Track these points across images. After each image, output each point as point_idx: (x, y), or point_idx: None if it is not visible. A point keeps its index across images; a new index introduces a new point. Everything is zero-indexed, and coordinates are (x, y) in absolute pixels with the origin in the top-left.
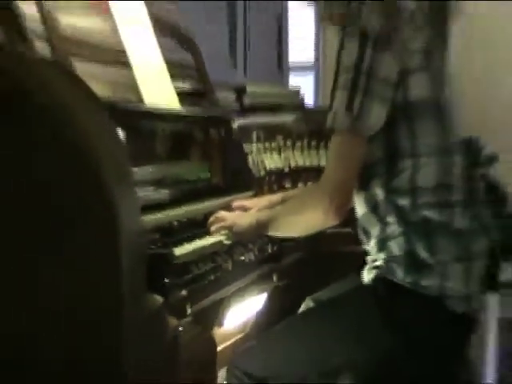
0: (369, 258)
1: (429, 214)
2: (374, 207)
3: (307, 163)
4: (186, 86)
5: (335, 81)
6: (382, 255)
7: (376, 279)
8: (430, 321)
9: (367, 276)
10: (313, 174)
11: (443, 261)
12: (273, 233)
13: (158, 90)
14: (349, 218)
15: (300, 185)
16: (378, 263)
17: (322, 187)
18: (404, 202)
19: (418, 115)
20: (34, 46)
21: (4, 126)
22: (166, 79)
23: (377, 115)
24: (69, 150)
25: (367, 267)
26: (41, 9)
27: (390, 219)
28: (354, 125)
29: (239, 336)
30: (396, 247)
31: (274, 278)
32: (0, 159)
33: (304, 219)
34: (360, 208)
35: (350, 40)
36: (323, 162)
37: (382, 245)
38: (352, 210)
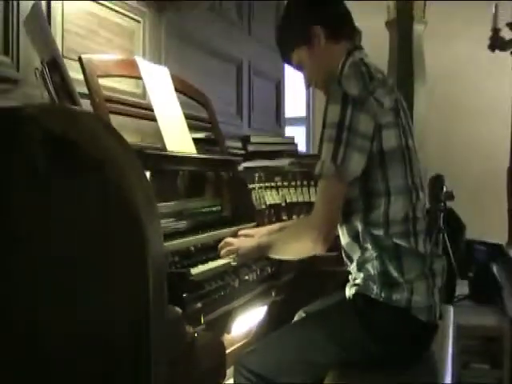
0: (350, 277)
1: (398, 241)
2: (354, 236)
3: (300, 199)
4: (201, 135)
5: (322, 134)
6: (361, 275)
7: (356, 294)
8: (400, 327)
9: (349, 291)
10: (305, 207)
11: (410, 279)
12: (271, 256)
13: (179, 138)
14: (335, 245)
15: (294, 217)
16: (357, 281)
17: (312, 222)
18: (378, 232)
19: (389, 162)
20: (80, 104)
21: (58, 175)
22: (185, 129)
23: (357, 163)
24: (112, 189)
25: (349, 284)
26: (85, 74)
27: (368, 245)
28: (337, 171)
29: (244, 341)
30: (372, 268)
31: (273, 294)
32: (56, 204)
33: (297, 247)
34: (343, 237)
35: (333, 102)
36: (313, 198)
37: (361, 266)
38: (337, 238)
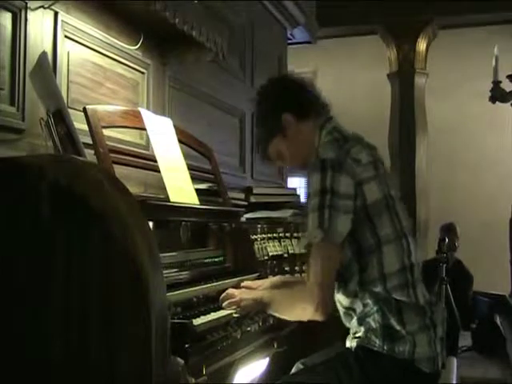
0: (350, 331)
1: (397, 295)
2: (353, 296)
3: (302, 250)
4: (204, 186)
5: (306, 207)
6: (362, 328)
7: (358, 347)
8: (404, 379)
9: (349, 343)
10: (307, 258)
11: (412, 331)
12: (272, 313)
13: (182, 189)
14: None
15: (296, 268)
16: (358, 334)
17: (309, 290)
18: (376, 288)
19: (375, 214)
20: (84, 155)
21: (61, 226)
22: (188, 181)
23: (343, 224)
24: (115, 240)
25: (349, 337)
26: (90, 124)
27: (368, 301)
28: (326, 236)
29: None
30: (373, 322)
31: (275, 345)
32: (59, 254)
33: (297, 311)
34: (342, 298)
35: (312, 171)
36: None
37: (362, 320)
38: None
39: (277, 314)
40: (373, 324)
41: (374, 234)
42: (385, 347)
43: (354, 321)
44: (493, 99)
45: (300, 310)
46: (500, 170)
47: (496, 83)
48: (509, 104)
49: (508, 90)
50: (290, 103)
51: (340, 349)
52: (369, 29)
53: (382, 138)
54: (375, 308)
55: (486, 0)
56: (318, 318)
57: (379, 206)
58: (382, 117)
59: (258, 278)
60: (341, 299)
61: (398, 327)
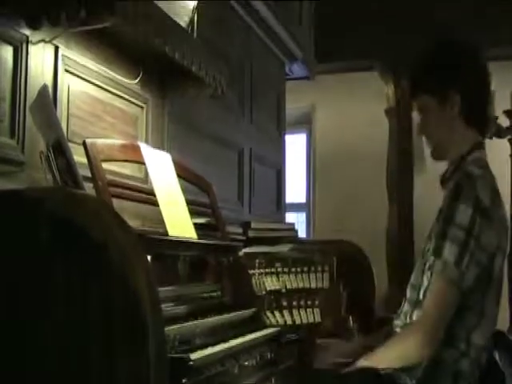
0: None
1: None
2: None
3: (300, 285)
4: (202, 220)
5: (444, 230)
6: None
7: None
8: None
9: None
10: (304, 294)
11: None
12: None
13: (180, 223)
14: (337, 330)
15: (294, 303)
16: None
17: (423, 324)
18: (454, 349)
19: (491, 286)
20: (84, 188)
21: (60, 258)
22: (186, 215)
23: (473, 276)
24: (114, 274)
25: None
26: (89, 158)
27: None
28: (459, 278)
29: None
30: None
31: (273, 381)
32: (58, 286)
33: (401, 351)
34: None
35: (465, 202)
36: (313, 285)
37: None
38: (340, 323)
39: (374, 364)
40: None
41: (482, 303)
42: None
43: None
44: (490, 135)
45: (406, 346)
46: None
47: (493, 119)
48: (505, 139)
49: (504, 125)
50: (468, 89)
51: None
52: (367, 64)
53: (380, 172)
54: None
55: (482, 35)
56: (426, 354)
57: (497, 282)
58: (380, 151)
59: (256, 312)
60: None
61: None
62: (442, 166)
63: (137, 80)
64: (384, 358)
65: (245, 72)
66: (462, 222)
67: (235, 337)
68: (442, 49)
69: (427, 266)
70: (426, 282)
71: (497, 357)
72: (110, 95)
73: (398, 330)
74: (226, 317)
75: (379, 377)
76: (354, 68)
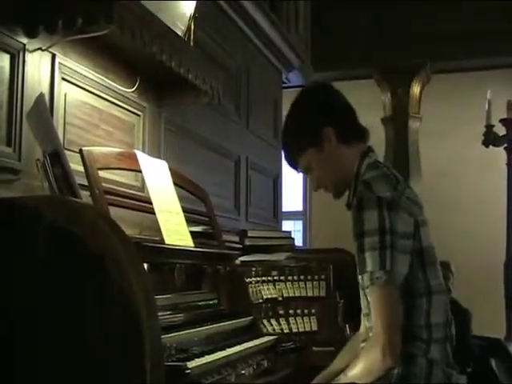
0: None
1: (435, 348)
2: None
3: (297, 293)
4: (198, 229)
5: (361, 244)
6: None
7: None
8: None
9: None
10: (301, 302)
11: None
12: None
13: (177, 231)
14: (333, 338)
15: (291, 311)
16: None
17: (376, 336)
18: (420, 336)
19: (428, 260)
20: (80, 196)
21: (57, 267)
22: (183, 223)
23: (404, 265)
24: (111, 283)
25: None
26: (85, 166)
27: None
28: (389, 278)
29: None
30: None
31: None
32: (55, 294)
33: (366, 368)
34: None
35: (368, 208)
36: (310, 293)
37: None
38: (337, 332)
39: None
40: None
41: (426, 281)
42: None
43: None
44: (486, 143)
45: (369, 362)
46: (493, 214)
47: (489, 127)
48: (502, 148)
49: (501, 133)
50: (333, 119)
51: None
52: (364, 73)
53: None
54: (410, 356)
55: (479, 44)
56: (389, 362)
57: (432, 253)
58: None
59: (253, 321)
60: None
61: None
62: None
63: (134, 88)
64: (352, 378)
65: (242, 80)
66: (372, 227)
67: (232, 345)
68: (296, 105)
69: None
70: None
71: (493, 365)
72: (106, 103)
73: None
74: (222, 325)
75: None
76: (351, 76)
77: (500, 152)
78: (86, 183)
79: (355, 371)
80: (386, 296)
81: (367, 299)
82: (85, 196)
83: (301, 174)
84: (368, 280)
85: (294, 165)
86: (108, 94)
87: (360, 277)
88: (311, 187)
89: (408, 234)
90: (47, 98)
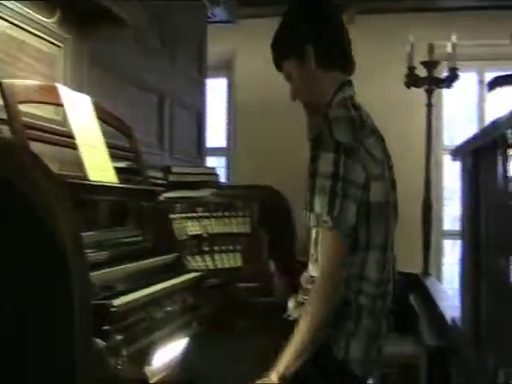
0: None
1: (367, 302)
2: None
3: (221, 230)
4: (123, 165)
5: (313, 184)
6: None
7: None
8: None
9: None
10: (226, 239)
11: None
12: (297, 359)
13: (100, 167)
14: (258, 274)
15: (215, 247)
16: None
17: (320, 280)
18: (353, 286)
19: (373, 216)
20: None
21: None
22: (107, 159)
23: (352, 213)
24: (38, 222)
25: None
26: (5, 99)
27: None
28: (336, 224)
29: (165, 373)
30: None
31: (195, 325)
32: None
33: (314, 313)
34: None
35: (325, 150)
36: (235, 229)
37: None
38: (261, 267)
39: (303, 347)
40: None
41: (366, 235)
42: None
43: None
44: (408, 84)
45: (316, 306)
46: (414, 153)
47: (411, 69)
48: (422, 89)
49: (422, 75)
50: (316, 37)
51: None
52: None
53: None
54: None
55: None
56: (323, 308)
57: (378, 209)
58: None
59: (177, 257)
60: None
61: (351, 332)
62: None
63: (54, 18)
64: (301, 339)
65: (166, 14)
66: (326, 170)
67: (157, 282)
68: (288, 12)
69: None
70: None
71: (411, 300)
72: (25, 33)
73: (305, 286)
74: (147, 262)
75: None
76: (279, 13)
77: (421, 93)
78: (6, 117)
79: (301, 329)
80: (331, 241)
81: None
82: (5, 130)
83: (223, 110)
84: (314, 220)
85: (278, 66)
86: (26, 24)
87: (306, 213)
88: (290, 96)
89: (359, 184)
90: None
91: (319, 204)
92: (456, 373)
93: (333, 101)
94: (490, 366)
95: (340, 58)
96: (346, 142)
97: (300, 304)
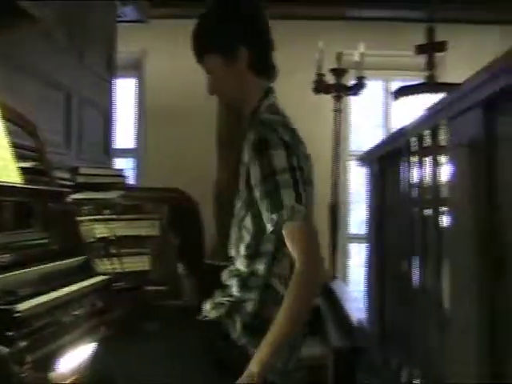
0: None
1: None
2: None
3: (130, 233)
4: (27, 165)
5: (272, 182)
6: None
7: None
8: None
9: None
10: (135, 242)
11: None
12: (279, 351)
13: (4, 167)
14: (166, 278)
15: (123, 250)
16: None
17: (306, 260)
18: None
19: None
20: None
21: None
22: (10, 158)
23: (310, 195)
24: None
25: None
26: None
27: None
28: (307, 211)
29: (73, 378)
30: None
31: (103, 329)
32: None
33: (300, 299)
34: (242, 260)
35: (275, 148)
36: (144, 232)
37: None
38: (169, 270)
39: (288, 337)
40: (249, 307)
41: None
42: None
43: (235, 284)
44: (316, 90)
45: (303, 291)
46: (322, 156)
47: (320, 76)
48: (330, 96)
49: (330, 82)
50: (254, 45)
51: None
52: (201, 12)
53: (211, 123)
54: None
55: None
56: (316, 270)
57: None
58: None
59: (85, 260)
60: (240, 263)
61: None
62: None
63: None
64: (285, 325)
65: (75, 12)
66: (282, 165)
67: (64, 285)
68: (222, 6)
69: (243, 222)
70: (247, 237)
71: (319, 303)
72: None
73: (227, 282)
74: (54, 265)
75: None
76: (191, 15)
77: (329, 99)
78: None
79: (282, 320)
80: (310, 228)
81: (242, 231)
82: None
83: (132, 112)
84: (288, 213)
85: (198, 57)
86: None
87: (273, 215)
88: (207, 89)
89: (307, 168)
90: None
91: (288, 197)
92: (362, 372)
93: (260, 107)
94: (393, 366)
95: (269, 64)
96: (289, 141)
97: (218, 305)
